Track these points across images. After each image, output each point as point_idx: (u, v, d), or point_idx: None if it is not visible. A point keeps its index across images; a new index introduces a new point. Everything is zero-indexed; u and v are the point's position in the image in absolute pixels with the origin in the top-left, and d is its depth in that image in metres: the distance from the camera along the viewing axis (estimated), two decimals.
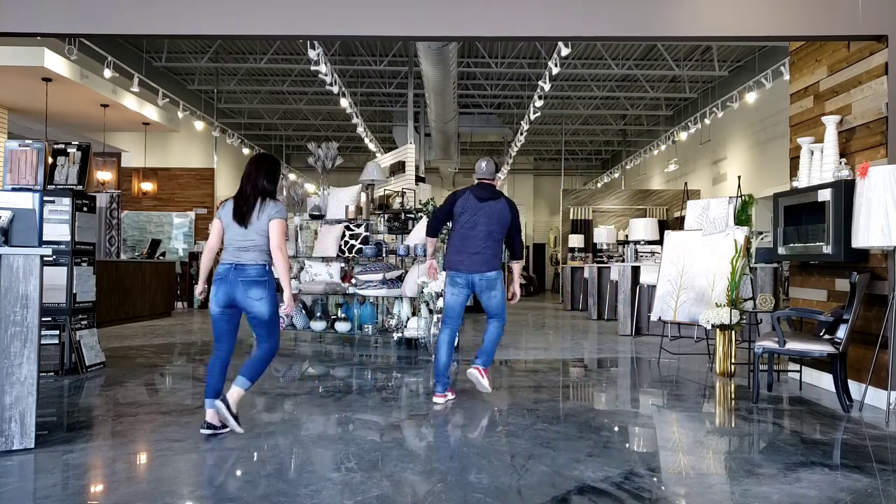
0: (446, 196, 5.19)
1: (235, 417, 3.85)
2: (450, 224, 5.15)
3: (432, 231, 5.15)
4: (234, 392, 3.85)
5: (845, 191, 4.77)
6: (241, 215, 3.86)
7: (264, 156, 4.08)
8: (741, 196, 7.20)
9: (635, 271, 9.59)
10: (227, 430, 3.90)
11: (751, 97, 12.38)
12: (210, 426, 3.86)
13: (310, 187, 18.25)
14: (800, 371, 5.75)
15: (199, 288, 4.08)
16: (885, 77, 4.77)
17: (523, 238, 21.86)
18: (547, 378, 5.96)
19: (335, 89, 12.15)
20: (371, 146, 18.14)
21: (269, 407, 4.74)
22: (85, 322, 6.07)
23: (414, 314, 7.55)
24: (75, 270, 5.88)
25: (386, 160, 12.21)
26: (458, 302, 4.99)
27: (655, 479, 3.22)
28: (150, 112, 12.15)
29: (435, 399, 4.84)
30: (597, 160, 25.97)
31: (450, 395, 4.92)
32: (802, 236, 5.31)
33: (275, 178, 3.99)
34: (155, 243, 12.05)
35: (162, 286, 11.45)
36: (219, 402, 3.79)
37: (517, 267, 5.23)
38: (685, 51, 14.03)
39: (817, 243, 5.07)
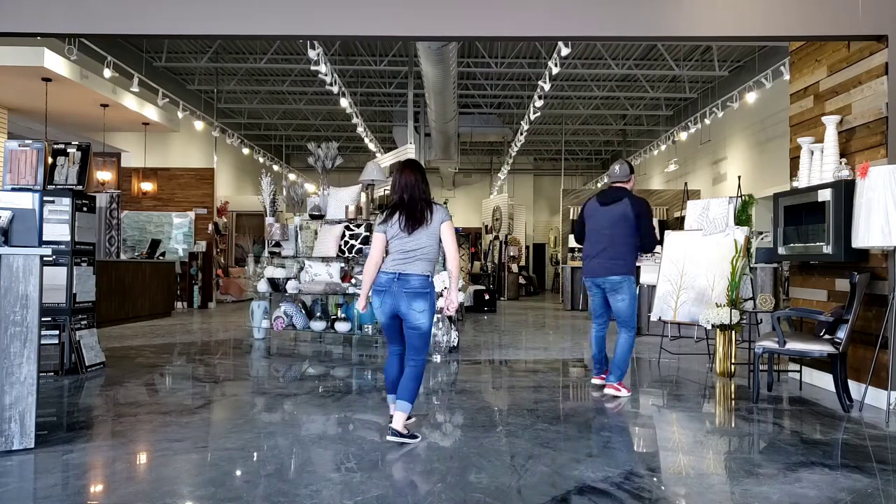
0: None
1: (411, 436, 3.79)
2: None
3: (577, 238, 5.54)
4: (400, 417, 3.76)
5: (845, 191, 4.77)
6: (413, 222, 3.77)
7: (418, 163, 4.01)
8: (741, 196, 7.20)
9: (635, 271, 9.58)
10: (416, 439, 3.79)
11: (751, 97, 12.39)
12: (395, 432, 3.74)
13: (310, 187, 18.25)
14: (800, 371, 5.75)
15: (361, 303, 4.01)
16: (885, 77, 4.77)
17: (524, 238, 21.88)
18: (547, 378, 5.96)
19: (335, 89, 12.15)
20: (371, 146, 18.14)
21: (269, 407, 4.74)
22: (85, 322, 6.07)
23: None
24: (75, 270, 5.88)
25: (386, 160, 12.22)
26: (598, 303, 5.36)
27: (655, 479, 3.22)
28: (150, 112, 12.15)
29: (594, 381, 5.47)
30: (597, 160, 25.97)
31: (600, 381, 5.37)
32: (802, 236, 5.31)
33: (428, 183, 3.96)
34: (155, 243, 12.04)
35: (162, 286, 11.45)
36: (390, 437, 3.73)
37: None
38: (685, 51, 14.03)
39: (817, 243, 5.07)
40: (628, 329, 5.22)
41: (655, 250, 5.40)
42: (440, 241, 3.85)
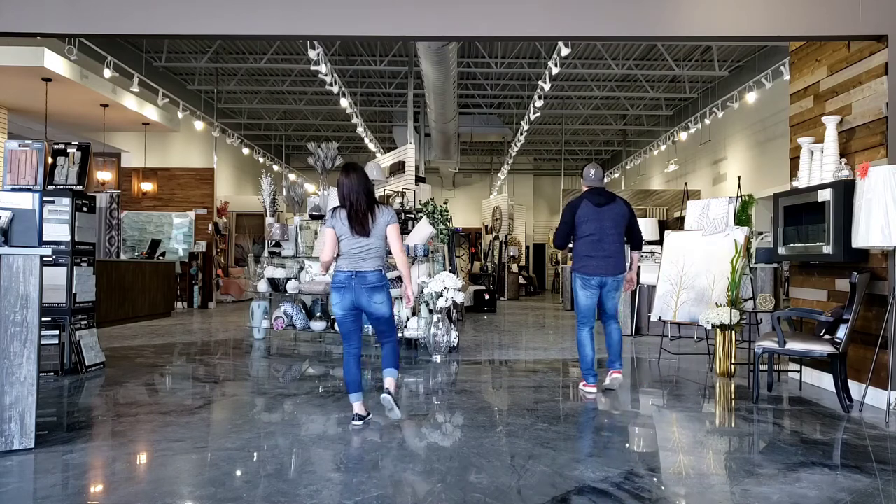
0: (563, 208, 5.49)
1: (397, 404, 4.17)
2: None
3: (562, 242, 5.42)
4: (391, 381, 4.19)
5: (845, 191, 4.77)
6: (360, 223, 4.05)
7: (357, 166, 4.22)
8: (741, 196, 7.20)
9: None
10: (370, 417, 4.19)
11: (751, 97, 12.38)
12: (360, 417, 4.10)
13: (310, 187, 18.26)
14: (800, 371, 5.75)
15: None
16: (885, 77, 4.77)
17: (524, 238, 21.89)
18: (547, 378, 5.96)
19: (335, 89, 12.15)
20: (371, 146, 18.14)
21: (269, 407, 4.74)
22: (85, 322, 6.07)
23: (414, 314, 7.56)
24: (75, 270, 5.88)
25: (386, 160, 12.21)
26: (593, 304, 5.31)
27: (655, 479, 3.22)
28: (150, 112, 12.14)
29: (588, 390, 5.20)
30: (597, 160, 25.99)
31: (594, 390, 5.22)
32: (802, 236, 5.31)
33: (371, 185, 4.25)
34: (155, 243, 12.04)
35: (162, 286, 11.45)
36: (385, 396, 4.10)
37: (637, 256, 5.55)
38: (685, 51, 14.03)
39: (817, 243, 5.07)
40: (617, 321, 5.42)
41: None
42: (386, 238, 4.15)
